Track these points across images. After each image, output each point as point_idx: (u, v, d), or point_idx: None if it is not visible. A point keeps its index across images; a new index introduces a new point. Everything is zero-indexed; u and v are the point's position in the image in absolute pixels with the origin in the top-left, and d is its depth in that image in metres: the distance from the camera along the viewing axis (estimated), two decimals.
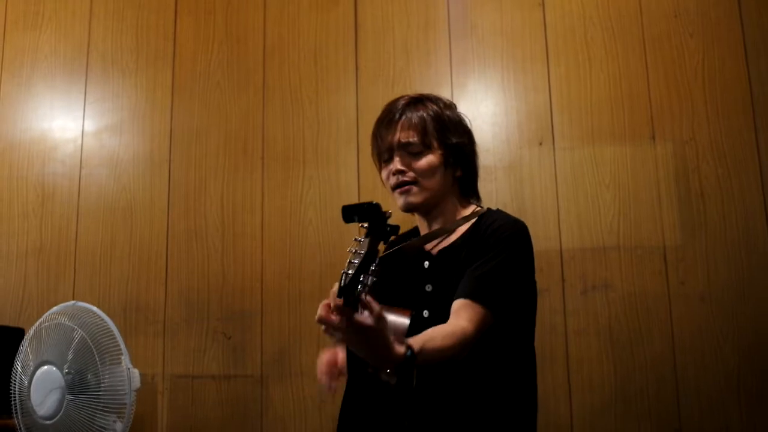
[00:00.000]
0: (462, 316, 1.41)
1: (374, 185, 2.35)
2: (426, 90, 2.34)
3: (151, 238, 2.47)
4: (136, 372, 1.87)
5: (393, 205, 1.48)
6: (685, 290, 2.09)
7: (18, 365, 1.95)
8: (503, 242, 1.47)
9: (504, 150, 2.27)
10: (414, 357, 1.25)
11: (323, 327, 1.23)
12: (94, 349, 1.82)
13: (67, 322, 1.89)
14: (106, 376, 1.82)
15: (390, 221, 1.18)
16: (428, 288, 1.55)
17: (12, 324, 2.38)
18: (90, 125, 2.60)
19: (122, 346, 1.83)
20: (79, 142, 2.59)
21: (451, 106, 1.61)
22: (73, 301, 1.95)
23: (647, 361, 2.08)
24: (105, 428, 1.80)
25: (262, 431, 2.29)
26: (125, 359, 1.81)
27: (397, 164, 1.54)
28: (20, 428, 1.94)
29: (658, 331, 2.09)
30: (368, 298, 1.15)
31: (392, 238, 1.17)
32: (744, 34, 2.19)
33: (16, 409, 1.95)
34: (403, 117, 1.56)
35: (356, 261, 1.10)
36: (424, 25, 2.43)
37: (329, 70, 2.48)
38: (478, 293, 1.42)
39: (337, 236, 2.36)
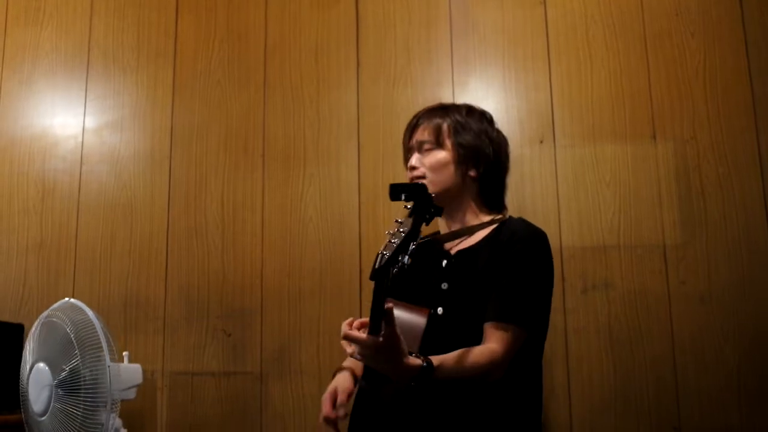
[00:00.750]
0: (491, 338, 1.44)
1: (375, 183, 2.35)
2: (427, 87, 2.37)
3: (152, 235, 2.47)
4: (119, 367, 1.86)
5: None
6: (686, 289, 2.09)
7: (23, 362, 1.97)
8: (526, 256, 1.51)
9: None
10: (431, 369, 1.28)
11: (346, 344, 1.27)
12: (76, 346, 1.82)
13: (58, 320, 1.90)
14: (87, 373, 1.81)
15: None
16: (444, 286, 1.56)
17: (12, 320, 2.38)
18: (91, 122, 2.60)
19: (104, 343, 1.82)
20: (80, 138, 2.59)
21: (476, 112, 1.67)
22: (66, 299, 1.95)
23: (647, 360, 2.08)
24: (90, 424, 1.80)
25: (262, 428, 2.29)
26: (106, 357, 1.81)
27: (413, 161, 1.64)
28: (25, 424, 1.97)
29: (658, 330, 2.08)
30: (389, 305, 1.17)
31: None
32: (745, 33, 2.18)
33: (21, 406, 1.98)
34: (423, 119, 1.66)
35: (395, 241, 1.11)
36: (425, 22, 2.43)
37: (330, 67, 2.48)
38: (507, 314, 1.45)
39: (337, 234, 2.36)
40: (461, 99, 2.26)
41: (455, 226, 1.64)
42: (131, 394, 2.08)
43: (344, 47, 2.48)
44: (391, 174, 2.33)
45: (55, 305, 1.96)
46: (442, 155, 1.61)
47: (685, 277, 2.10)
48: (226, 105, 2.53)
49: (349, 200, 2.36)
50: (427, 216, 1.14)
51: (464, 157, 1.61)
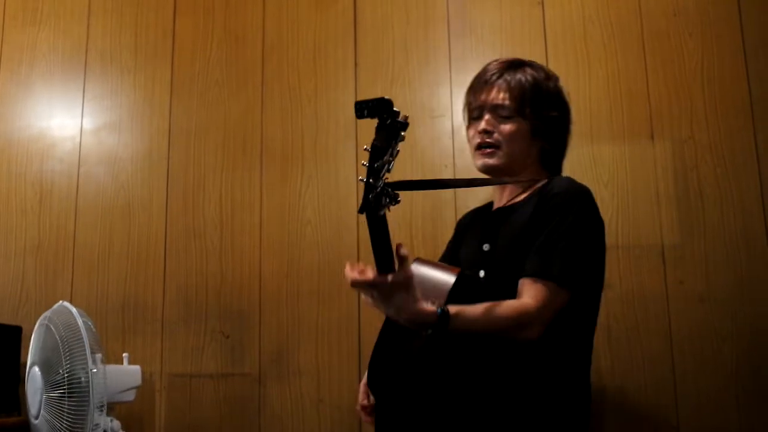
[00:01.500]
0: (525, 293, 1.32)
1: None
2: (425, 87, 2.37)
3: (150, 236, 2.47)
4: (105, 370, 1.85)
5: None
6: (684, 289, 2.09)
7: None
8: (566, 211, 1.38)
9: None
10: (447, 316, 1.20)
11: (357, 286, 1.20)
12: (62, 350, 1.82)
13: (51, 324, 1.90)
14: (73, 377, 1.81)
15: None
16: (486, 248, 1.48)
17: (10, 322, 2.38)
18: (88, 123, 2.59)
19: (87, 346, 1.81)
20: (78, 139, 2.58)
21: (553, 78, 1.55)
22: (60, 302, 1.95)
23: (645, 360, 2.08)
24: (78, 429, 1.79)
25: (260, 430, 2.29)
26: (88, 360, 1.80)
27: (484, 124, 1.49)
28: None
29: (657, 331, 2.08)
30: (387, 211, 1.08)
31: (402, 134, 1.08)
32: (743, 33, 2.18)
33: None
34: (501, 78, 1.51)
35: (369, 161, 1.05)
36: (423, 22, 2.43)
37: (328, 67, 2.48)
38: (545, 269, 1.32)
39: (335, 235, 2.35)
40: (459, 98, 2.25)
41: (510, 195, 1.52)
42: (130, 396, 2.08)
43: (342, 48, 2.47)
44: (391, 174, 2.32)
45: (52, 308, 1.96)
46: (521, 126, 1.47)
47: (683, 277, 2.10)
48: (224, 106, 2.52)
49: (348, 201, 2.36)
50: (394, 132, 1.06)
51: (542, 130, 1.48)
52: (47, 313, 1.94)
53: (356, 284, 1.20)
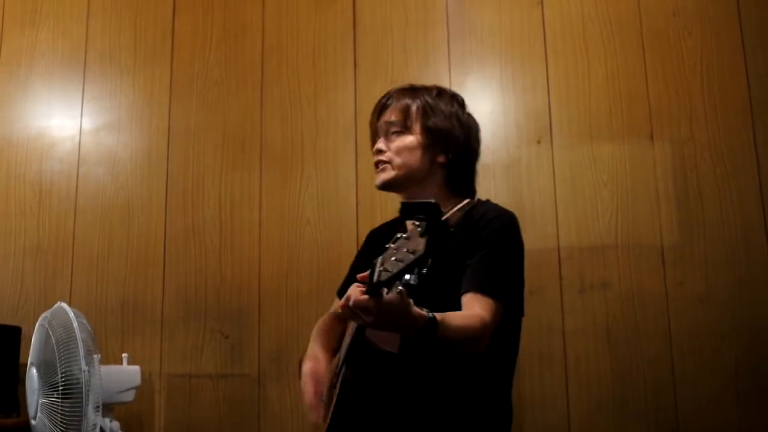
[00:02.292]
0: (475, 306, 1.37)
1: (372, 184, 2.33)
2: None
3: (149, 236, 2.47)
4: (99, 371, 1.84)
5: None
6: (683, 289, 2.09)
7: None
8: (500, 234, 1.46)
9: (502, 148, 2.27)
10: (435, 323, 1.22)
11: (348, 310, 1.17)
12: (56, 351, 1.82)
13: (47, 325, 1.89)
14: (67, 378, 1.81)
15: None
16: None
17: (9, 322, 2.37)
18: (88, 123, 2.59)
19: (80, 347, 1.81)
20: (77, 140, 2.58)
21: (448, 96, 1.60)
22: (58, 303, 1.95)
23: (645, 361, 2.08)
24: (73, 429, 1.79)
25: (260, 430, 2.29)
26: (81, 361, 1.80)
27: (378, 144, 1.57)
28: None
29: (656, 330, 2.08)
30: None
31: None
32: (742, 32, 2.18)
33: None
34: (391, 101, 1.58)
35: (400, 259, 1.02)
36: (422, 23, 2.43)
37: (327, 68, 2.48)
38: (486, 287, 1.39)
39: (335, 235, 2.35)
40: None
41: None
42: (129, 396, 2.08)
43: (341, 48, 2.47)
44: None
45: (51, 310, 1.96)
46: (409, 139, 1.53)
47: (682, 277, 2.10)
48: (224, 106, 2.52)
49: (347, 201, 2.36)
50: (439, 240, 1.04)
51: (433, 141, 1.53)
52: (46, 314, 1.94)
53: (355, 309, 1.17)
